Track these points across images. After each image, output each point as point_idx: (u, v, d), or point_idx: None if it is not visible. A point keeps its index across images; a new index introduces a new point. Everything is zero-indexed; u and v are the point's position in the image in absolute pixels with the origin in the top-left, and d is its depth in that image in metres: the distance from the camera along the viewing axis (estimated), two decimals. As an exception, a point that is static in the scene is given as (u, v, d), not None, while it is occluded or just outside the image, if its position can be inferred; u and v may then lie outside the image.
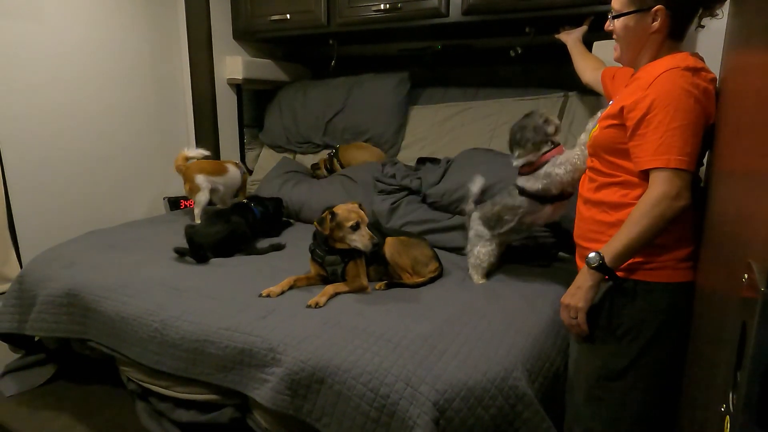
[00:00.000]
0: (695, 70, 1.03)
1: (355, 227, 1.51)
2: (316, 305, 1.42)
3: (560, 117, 2.16)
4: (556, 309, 1.40)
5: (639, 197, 1.06)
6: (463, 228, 1.87)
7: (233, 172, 2.35)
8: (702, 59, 1.09)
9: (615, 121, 1.11)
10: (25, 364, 1.85)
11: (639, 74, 1.13)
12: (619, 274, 1.08)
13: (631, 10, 1.11)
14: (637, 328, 1.10)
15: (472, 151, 2.15)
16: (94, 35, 2.27)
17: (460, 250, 1.85)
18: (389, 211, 2.03)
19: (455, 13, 2.03)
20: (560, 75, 2.08)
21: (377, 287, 1.58)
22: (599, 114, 1.26)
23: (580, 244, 1.24)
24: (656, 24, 1.08)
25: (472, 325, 1.30)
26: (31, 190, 2.13)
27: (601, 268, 1.06)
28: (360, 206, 1.57)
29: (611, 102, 1.23)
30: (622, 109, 1.09)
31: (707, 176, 1.15)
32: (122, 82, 2.41)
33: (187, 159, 2.23)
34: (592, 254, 1.07)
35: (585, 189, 1.23)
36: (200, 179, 2.20)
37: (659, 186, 1.01)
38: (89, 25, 2.24)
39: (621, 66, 1.30)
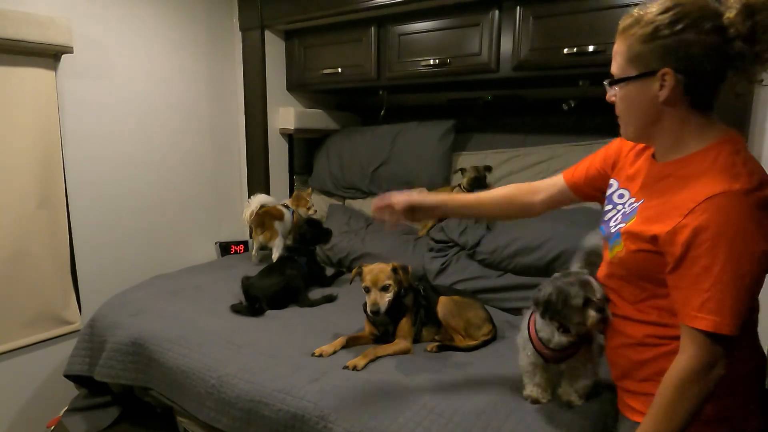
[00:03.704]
0: (753, 190, 0.77)
1: (366, 290, 1.51)
2: (354, 368, 1.42)
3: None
4: (614, 389, 1.32)
5: (674, 337, 0.87)
6: (516, 288, 1.83)
7: (287, 215, 2.45)
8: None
9: (648, 247, 0.88)
10: (92, 404, 1.96)
11: (668, 174, 0.89)
12: None
13: (631, 75, 0.87)
14: None
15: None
16: (158, 90, 2.39)
17: (512, 311, 1.81)
18: (439, 271, 2.02)
19: (505, 68, 2.02)
20: (617, 126, 2.01)
21: (428, 348, 1.56)
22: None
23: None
24: (664, 92, 0.84)
25: (528, 402, 1.25)
26: (93, 234, 2.19)
27: None
28: (398, 268, 1.53)
29: (630, 200, 0.98)
30: (655, 238, 0.86)
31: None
32: (182, 134, 2.52)
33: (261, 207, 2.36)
34: None
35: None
36: (277, 225, 2.35)
37: (695, 354, 0.81)
38: (153, 80, 2.37)
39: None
